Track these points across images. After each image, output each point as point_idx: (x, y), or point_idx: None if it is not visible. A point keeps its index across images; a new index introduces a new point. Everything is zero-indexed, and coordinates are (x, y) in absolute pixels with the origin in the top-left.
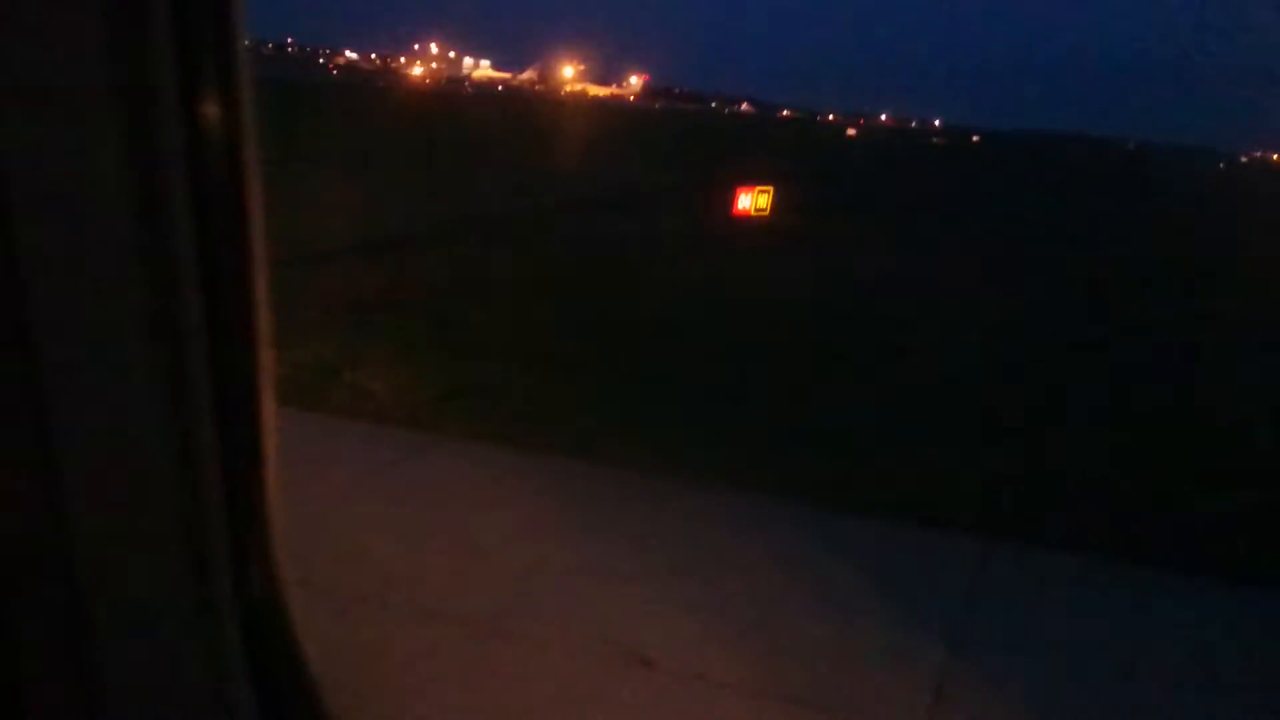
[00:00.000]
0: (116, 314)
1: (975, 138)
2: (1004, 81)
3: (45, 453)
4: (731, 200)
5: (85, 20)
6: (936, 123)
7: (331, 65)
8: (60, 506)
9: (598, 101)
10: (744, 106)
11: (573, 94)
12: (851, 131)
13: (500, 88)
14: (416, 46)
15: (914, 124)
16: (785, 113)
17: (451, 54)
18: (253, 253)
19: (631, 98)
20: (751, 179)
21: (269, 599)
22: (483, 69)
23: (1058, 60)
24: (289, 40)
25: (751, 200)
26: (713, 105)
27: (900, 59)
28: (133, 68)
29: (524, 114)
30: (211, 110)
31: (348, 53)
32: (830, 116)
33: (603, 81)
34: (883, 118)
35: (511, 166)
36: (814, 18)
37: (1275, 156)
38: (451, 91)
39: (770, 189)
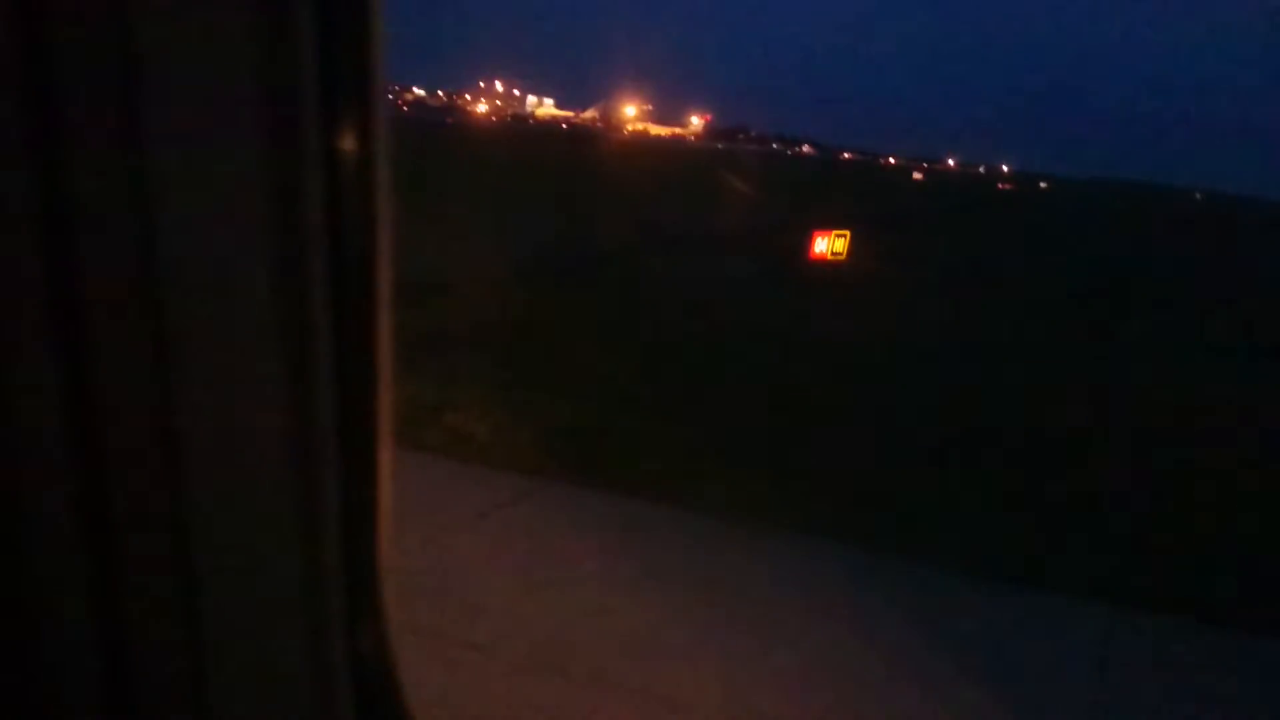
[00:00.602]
0: (248, 363)
1: (1043, 184)
2: (1070, 128)
3: (175, 505)
4: (808, 244)
5: (235, 47)
6: (1004, 168)
7: (400, 101)
8: (188, 565)
9: (660, 141)
10: (805, 149)
11: (634, 133)
12: (918, 176)
13: (565, 125)
14: (482, 84)
15: (981, 169)
16: (846, 155)
17: (515, 92)
18: (379, 299)
19: (693, 138)
20: (826, 223)
21: (380, 660)
22: (546, 107)
23: (1126, 109)
24: None
25: (828, 244)
26: (774, 146)
27: (964, 103)
28: (279, 100)
29: (594, 153)
30: (350, 149)
31: (415, 89)
32: (891, 159)
33: (663, 121)
34: (950, 162)
35: (593, 206)
36: (876, 61)
37: None
38: (518, 129)
39: (847, 233)
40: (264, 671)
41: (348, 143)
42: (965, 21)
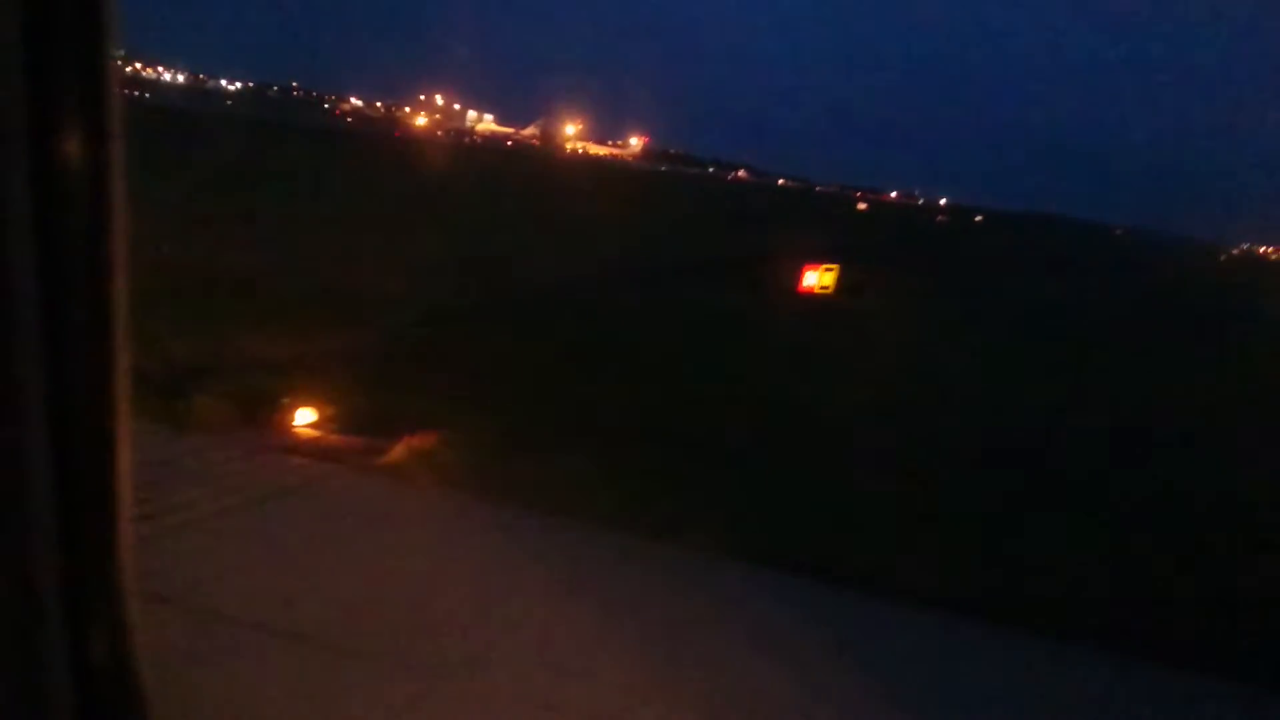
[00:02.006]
0: None
1: (978, 218)
2: (994, 162)
3: None
4: (798, 277)
5: None
6: (942, 201)
7: (338, 111)
8: None
9: (603, 161)
10: (741, 173)
11: (574, 152)
12: (863, 206)
13: (509, 143)
14: (422, 97)
15: (920, 200)
16: (781, 181)
17: (456, 106)
18: (110, 309)
19: (631, 158)
20: (806, 255)
21: (116, 671)
22: (486, 123)
23: (1053, 144)
24: (294, 85)
25: (818, 278)
26: (710, 170)
27: (888, 132)
28: None
29: (544, 173)
30: (70, 147)
31: (353, 99)
32: (819, 188)
33: (601, 141)
34: (892, 194)
35: (562, 231)
36: (808, 88)
37: (1261, 249)
38: (465, 144)
39: (835, 267)
40: None
41: (70, 147)
42: (894, 54)
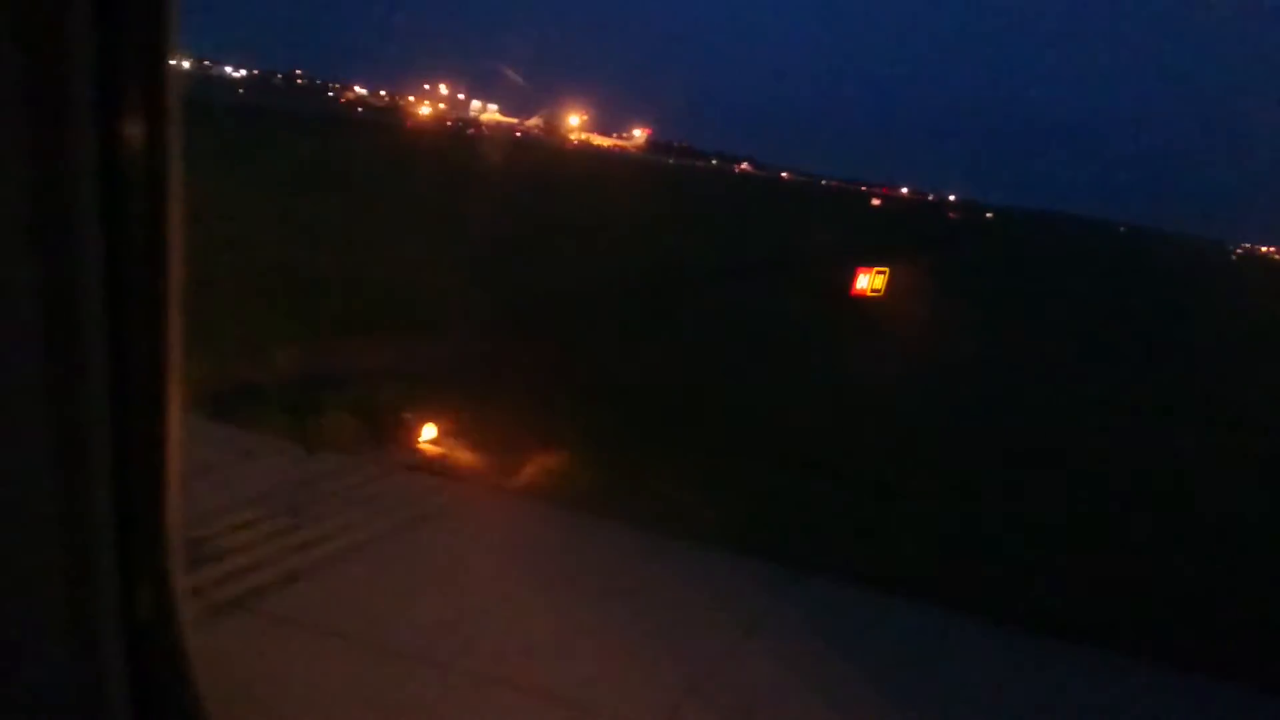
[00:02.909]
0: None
1: (989, 214)
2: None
3: None
4: (850, 280)
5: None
6: (951, 197)
7: (343, 99)
8: None
9: (605, 153)
10: (745, 166)
11: (578, 143)
12: (876, 202)
13: (519, 134)
14: (426, 86)
15: (930, 197)
16: (785, 175)
17: (460, 96)
18: (168, 285)
19: (634, 150)
20: (840, 255)
21: (162, 628)
22: (490, 113)
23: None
24: (298, 72)
25: (869, 281)
26: (714, 163)
27: (891, 126)
28: (47, 81)
29: (559, 165)
30: (133, 130)
31: (357, 88)
32: (822, 181)
33: (604, 132)
34: (904, 190)
35: (604, 229)
36: (810, 81)
37: (1264, 249)
38: (473, 135)
39: (886, 270)
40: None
41: (132, 129)
42: (898, 48)
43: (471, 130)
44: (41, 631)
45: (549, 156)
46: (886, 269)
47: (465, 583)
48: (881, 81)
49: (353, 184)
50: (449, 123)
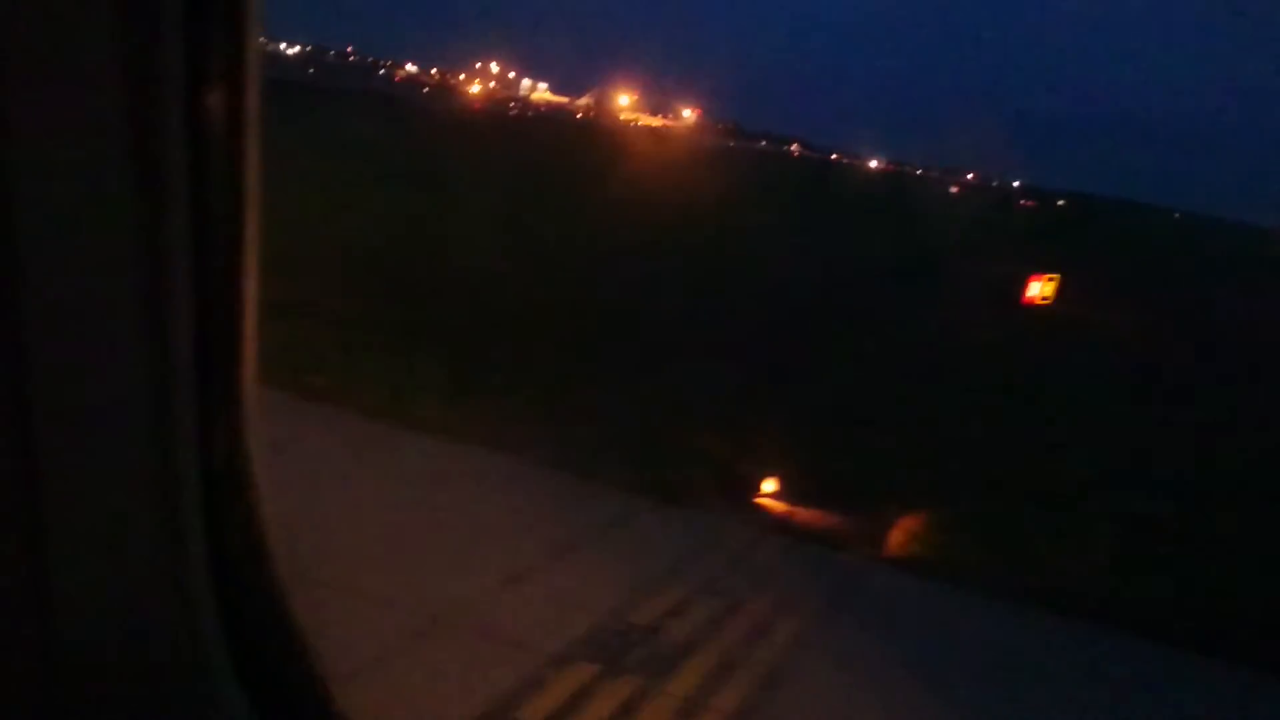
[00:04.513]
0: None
1: (1061, 202)
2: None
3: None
4: (1013, 285)
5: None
6: (1015, 184)
7: (396, 77)
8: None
9: (661, 133)
10: (794, 148)
11: (628, 123)
12: (955, 189)
13: (579, 115)
14: (478, 65)
15: (995, 183)
16: (835, 157)
17: (511, 74)
18: (246, 215)
19: (686, 131)
20: (984, 254)
21: (232, 470)
22: (540, 92)
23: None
24: (349, 49)
25: (1040, 288)
26: (763, 144)
27: (941, 109)
28: (139, 55)
29: (630, 147)
30: (217, 103)
31: (408, 65)
32: (873, 164)
33: (652, 112)
34: (969, 175)
35: (742, 226)
36: (859, 62)
37: None
38: (531, 115)
39: (1056, 277)
40: (103, 482)
41: (215, 103)
42: (950, 26)
43: (530, 111)
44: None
45: (621, 139)
46: (1057, 276)
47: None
48: (931, 63)
49: (488, 180)
50: (510, 105)
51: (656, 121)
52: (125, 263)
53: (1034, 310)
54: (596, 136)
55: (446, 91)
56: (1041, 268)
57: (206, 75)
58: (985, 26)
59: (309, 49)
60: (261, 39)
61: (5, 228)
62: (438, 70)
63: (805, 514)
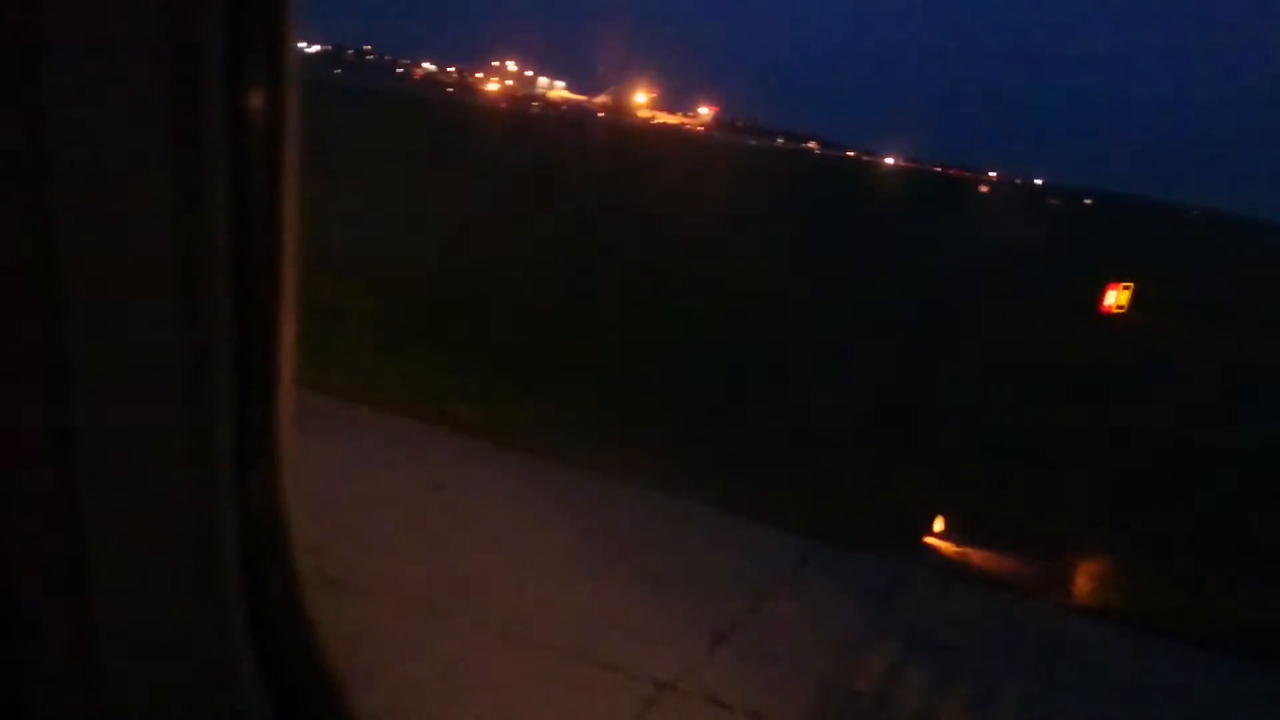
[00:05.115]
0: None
1: (1087, 200)
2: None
3: (51, 366)
4: (1088, 294)
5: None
6: (1037, 181)
7: (415, 76)
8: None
9: (682, 132)
10: (812, 145)
11: (645, 121)
12: (984, 189)
13: (601, 113)
14: (495, 63)
15: (1018, 181)
16: (850, 154)
17: (528, 73)
18: (285, 210)
19: (701, 128)
20: (1047, 259)
21: (270, 509)
22: (557, 90)
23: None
24: (367, 48)
25: (1116, 297)
26: (779, 141)
27: (956, 105)
28: (181, 59)
29: (661, 147)
30: (256, 104)
31: (425, 64)
32: (889, 161)
33: (668, 109)
34: (992, 174)
35: (815, 234)
36: (874, 58)
37: None
38: (553, 114)
39: (1131, 285)
40: (143, 509)
41: (254, 100)
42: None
43: (553, 111)
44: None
45: (649, 138)
46: (1131, 284)
47: None
48: (944, 58)
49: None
50: (534, 104)
51: (675, 119)
52: (165, 274)
53: (1113, 320)
54: (629, 138)
55: (467, 90)
56: (1103, 272)
57: (247, 67)
58: (994, 25)
59: (329, 48)
60: (296, 30)
61: (47, 251)
62: (455, 69)
63: (979, 556)
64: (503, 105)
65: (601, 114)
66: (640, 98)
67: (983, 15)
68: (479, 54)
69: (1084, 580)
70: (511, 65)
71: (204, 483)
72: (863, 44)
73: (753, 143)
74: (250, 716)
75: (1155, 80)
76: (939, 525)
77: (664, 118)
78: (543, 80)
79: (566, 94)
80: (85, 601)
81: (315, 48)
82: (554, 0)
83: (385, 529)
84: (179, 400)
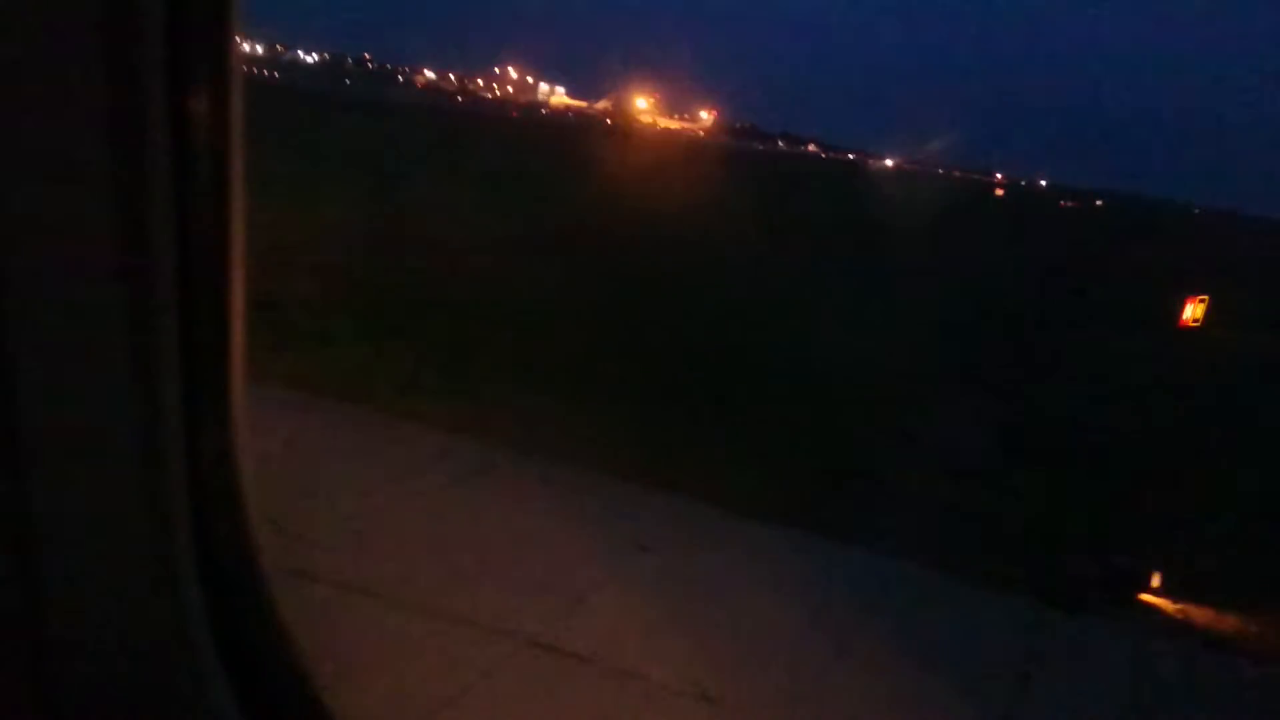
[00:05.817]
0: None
1: (1099, 202)
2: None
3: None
4: (1178, 310)
5: (78, 24)
6: (1042, 182)
7: (417, 84)
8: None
9: (686, 137)
10: (812, 147)
11: (646, 125)
12: (999, 192)
13: (608, 120)
14: (495, 69)
15: (1023, 183)
16: (851, 156)
17: (529, 79)
18: (229, 214)
19: (702, 133)
20: (1105, 268)
21: (222, 474)
22: (558, 95)
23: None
24: (366, 56)
25: (1193, 310)
26: (780, 144)
27: (957, 108)
28: (121, 68)
29: (677, 154)
30: (200, 109)
31: (427, 71)
32: (888, 163)
33: (669, 115)
34: (998, 176)
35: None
36: (871, 60)
37: None
38: (559, 120)
39: (1206, 298)
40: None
41: (198, 105)
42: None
43: (558, 116)
44: (121, 567)
45: (662, 145)
46: (1206, 297)
47: None
48: (943, 60)
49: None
50: (543, 111)
51: (676, 124)
52: (110, 270)
53: (1192, 334)
54: (644, 144)
55: (475, 99)
56: (1163, 280)
57: (190, 74)
58: (995, 24)
59: (328, 58)
60: (240, 39)
61: None
62: (455, 75)
63: (1200, 613)
64: (514, 113)
65: (606, 119)
66: (641, 103)
67: (983, 15)
68: (477, 60)
69: None
70: (511, 71)
71: (156, 460)
72: (859, 45)
73: (759, 147)
74: (206, 680)
75: (1139, 80)
76: (1155, 580)
77: (665, 122)
78: (544, 86)
79: (567, 99)
80: (37, 580)
81: (314, 57)
82: (550, 5)
83: None
84: (127, 394)
